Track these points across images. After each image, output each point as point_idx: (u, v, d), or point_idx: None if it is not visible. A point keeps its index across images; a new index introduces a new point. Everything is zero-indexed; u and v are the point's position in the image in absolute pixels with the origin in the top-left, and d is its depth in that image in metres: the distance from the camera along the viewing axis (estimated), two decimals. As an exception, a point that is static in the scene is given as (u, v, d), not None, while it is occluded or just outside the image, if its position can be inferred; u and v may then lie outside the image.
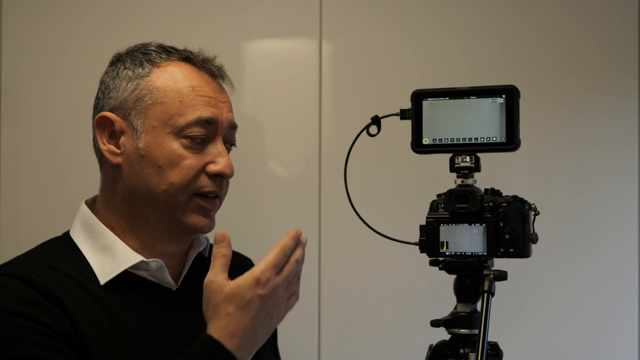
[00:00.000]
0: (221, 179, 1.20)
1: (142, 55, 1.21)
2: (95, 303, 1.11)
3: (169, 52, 1.22)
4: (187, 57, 1.22)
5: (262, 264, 1.01)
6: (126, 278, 1.16)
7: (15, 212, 1.89)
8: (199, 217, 1.19)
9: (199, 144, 1.17)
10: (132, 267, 1.16)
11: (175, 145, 1.16)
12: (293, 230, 1.04)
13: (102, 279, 1.14)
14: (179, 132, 1.16)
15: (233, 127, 1.24)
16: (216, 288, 1.01)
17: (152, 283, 1.19)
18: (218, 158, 1.18)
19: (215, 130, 1.19)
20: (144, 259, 1.16)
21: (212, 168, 1.18)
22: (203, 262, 1.32)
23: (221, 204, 1.24)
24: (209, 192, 1.18)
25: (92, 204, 1.25)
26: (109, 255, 1.16)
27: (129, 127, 1.18)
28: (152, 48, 1.22)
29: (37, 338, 1.02)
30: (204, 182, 1.18)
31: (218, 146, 1.19)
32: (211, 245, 1.35)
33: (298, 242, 1.05)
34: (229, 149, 1.24)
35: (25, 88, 1.91)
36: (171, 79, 1.18)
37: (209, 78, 1.22)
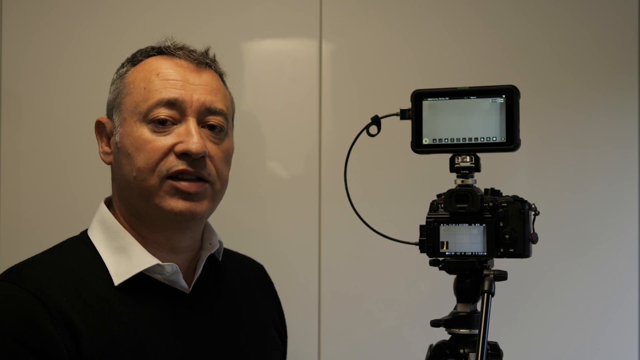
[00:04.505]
0: (191, 158, 1.15)
1: (129, 58, 1.23)
2: (105, 309, 1.10)
3: (150, 50, 1.22)
4: (161, 50, 1.22)
5: None
6: (140, 280, 1.15)
7: (15, 213, 1.89)
8: (177, 200, 1.15)
9: (167, 127, 1.15)
10: (147, 269, 1.16)
11: (142, 131, 1.15)
12: None
13: (117, 280, 1.14)
14: (145, 118, 1.15)
15: (213, 110, 1.19)
16: None
17: (165, 286, 1.18)
18: (186, 137, 1.15)
19: (184, 112, 1.16)
20: (160, 263, 1.16)
21: (178, 147, 1.14)
22: (217, 266, 1.31)
23: (217, 191, 1.20)
24: (180, 171, 1.14)
25: (109, 203, 1.25)
26: (125, 257, 1.16)
27: (113, 125, 1.20)
28: (141, 50, 1.23)
29: None
30: (172, 162, 1.14)
31: (188, 125, 1.16)
32: (225, 249, 1.35)
33: None
34: (217, 134, 1.20)
35: (25, 88, 1.90)
36: (142, 71, 1.19)
37: (185, 63, 1.20)
